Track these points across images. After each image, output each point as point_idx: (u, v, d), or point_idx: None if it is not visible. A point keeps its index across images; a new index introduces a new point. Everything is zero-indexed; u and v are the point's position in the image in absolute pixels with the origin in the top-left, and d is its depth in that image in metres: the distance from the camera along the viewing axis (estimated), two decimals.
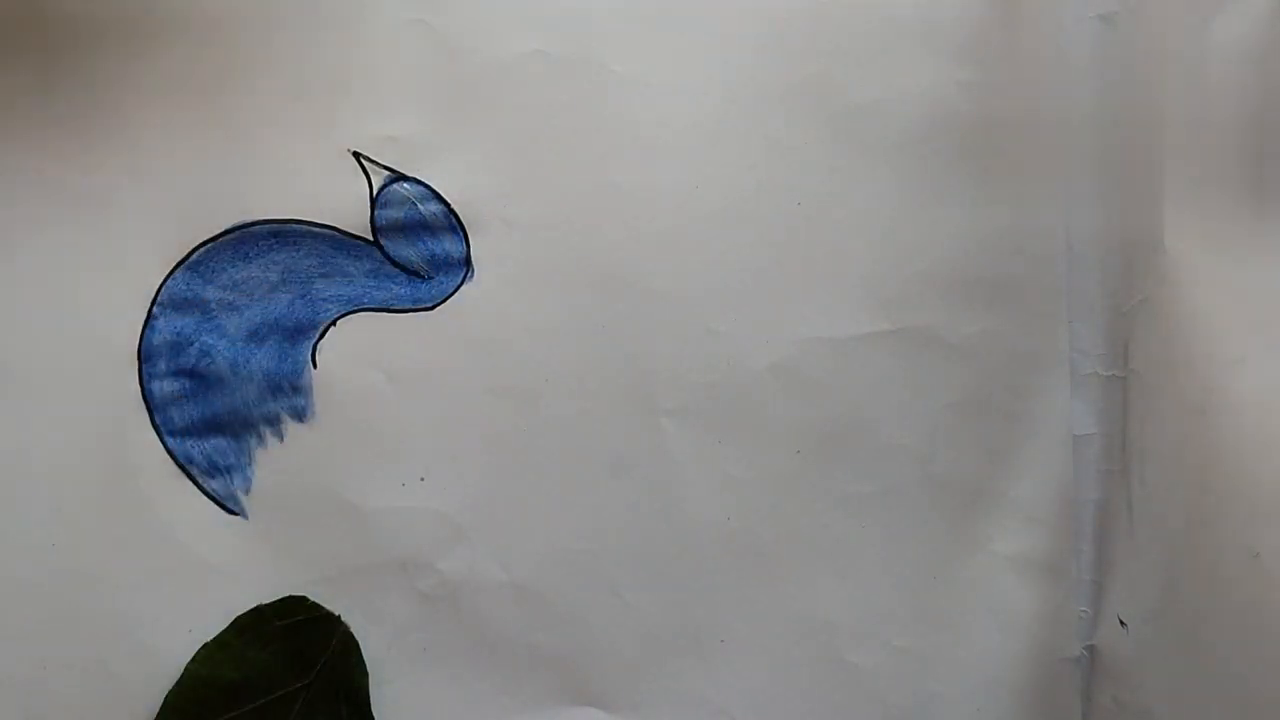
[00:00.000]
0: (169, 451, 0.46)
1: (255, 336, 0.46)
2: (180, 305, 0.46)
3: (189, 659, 0.44)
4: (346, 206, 0.46)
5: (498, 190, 0.47)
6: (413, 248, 0.46)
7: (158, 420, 0.46)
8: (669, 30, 0.46)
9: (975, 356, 0.48)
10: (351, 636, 0.46)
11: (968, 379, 0.48)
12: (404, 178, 0.46)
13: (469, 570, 0.47)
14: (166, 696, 0.44)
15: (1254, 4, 0.41)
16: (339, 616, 0.46)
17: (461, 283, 0.47)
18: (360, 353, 0.47)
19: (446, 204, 0.46)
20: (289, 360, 0.46)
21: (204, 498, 0.46)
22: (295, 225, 0.46)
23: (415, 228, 0.46)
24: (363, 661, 0.46)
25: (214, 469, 0.46)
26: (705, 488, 0.48)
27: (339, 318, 0.47)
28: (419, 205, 0.46)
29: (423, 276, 0.47)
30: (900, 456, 0.48)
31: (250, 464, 0.46)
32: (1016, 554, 0.48)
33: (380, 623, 0.47)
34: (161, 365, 0.45)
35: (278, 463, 0.46)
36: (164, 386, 0.45)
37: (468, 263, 0.47)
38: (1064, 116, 0.47)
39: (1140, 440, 0.46)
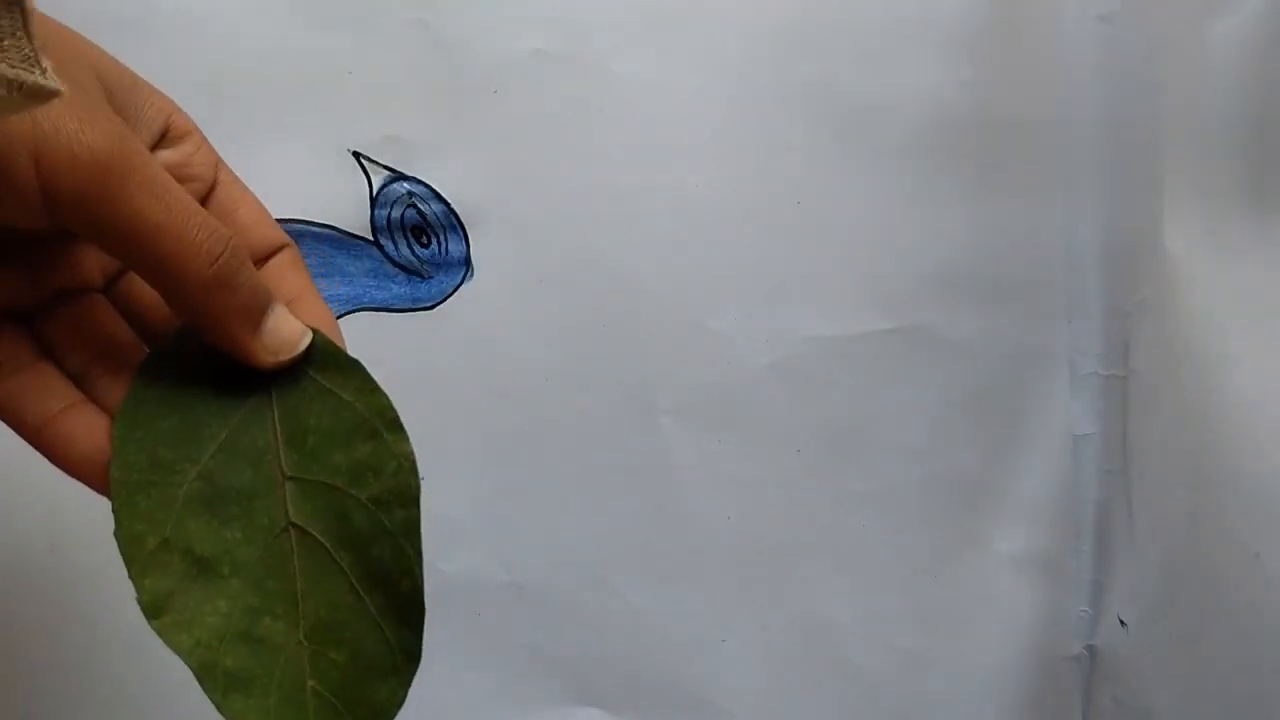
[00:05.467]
0: None
1: None
2: None
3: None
4: (346, 206, 0.46)
5: (498, 190, 0.47)
6: (412, 247, 0.46)
7: None
8: (669, 30, 0.46)
9: (975, 356, 0.48)
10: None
11: (968, 378, 0.48)
12: (404, 177, 0.46)
13: (470, 570, 0.47)
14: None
15: (1253, 4, 0.41)
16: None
17: (461, 283, 0.47)
18: (360, 352, 0.46)
19: (446, 204, 0.46)
20: None
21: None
22: (295, 225, 0.46)
23: (415, 227, 0.46)
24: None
25: None
26: (705, 488, 0.48)
27: (339, 317, 0.47)
28: (419, 205, 0.46)
29: (423, 276, 0.47)
30: (900, 455, 0.48)
31: None
32: (1016, 554, 0.48)
33: None
34: None
35: None
36: None
37: (468, 263, 0.47)
38: (1064, 116, 0.47)
39: (1140, 440, 0.46)
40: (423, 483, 0.46)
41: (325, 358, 0.29)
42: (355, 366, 0.30)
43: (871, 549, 0.48)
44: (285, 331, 0.28)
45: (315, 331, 0.29)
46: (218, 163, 0.31)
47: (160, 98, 0.29)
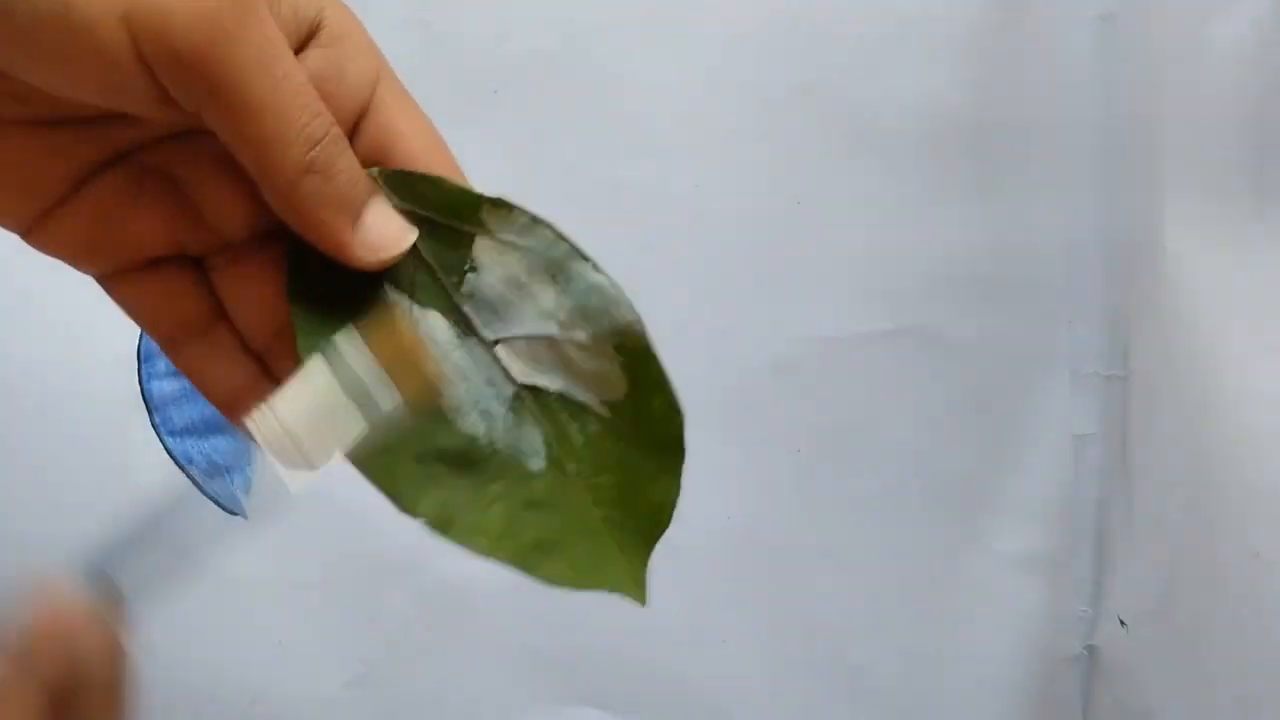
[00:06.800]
0: (169, 451, 0.45)
1: None
2: None
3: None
4: None
5: (497, 190, 0.46)
6: None
7: (157, 420, 0.45)
8: (669, 30, 0.46)
9: (975, 356, 0.48)
10: None
11: (968, 379, 0.48)
12: None
13: (470, 570, 0.47)
14: None
15: (1253, 4, 0.41)
16: None
17: None
18: None
19: None
20: None
21: (204, 498, 0.46)
22: None
23: None
24: None
25: (214, 469, 0.46)
26: (705, 488, 0.47)
27: None
28: None
29: None
30: (900, 456, 0.48)
31: (250, 464, 0.46)
32: (1016, 554, 0.48)
33: (380, 623, 0.47)
34: (161, 365, 0.45)
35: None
36: (164, 386, 0.45)
37: None
38: (1064, 116, 0.47)
39: (1140, 440, 0.46)
40: None
41: (465, 204, 0.27)
42: (503, 203, 0.27)
43: (871, 549, 0.48)
44: (386, 227, 0.25)
45: (444, 180, 0.27)
46: (379, 77, 0.26)
47: None
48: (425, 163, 0.27)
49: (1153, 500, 0.46)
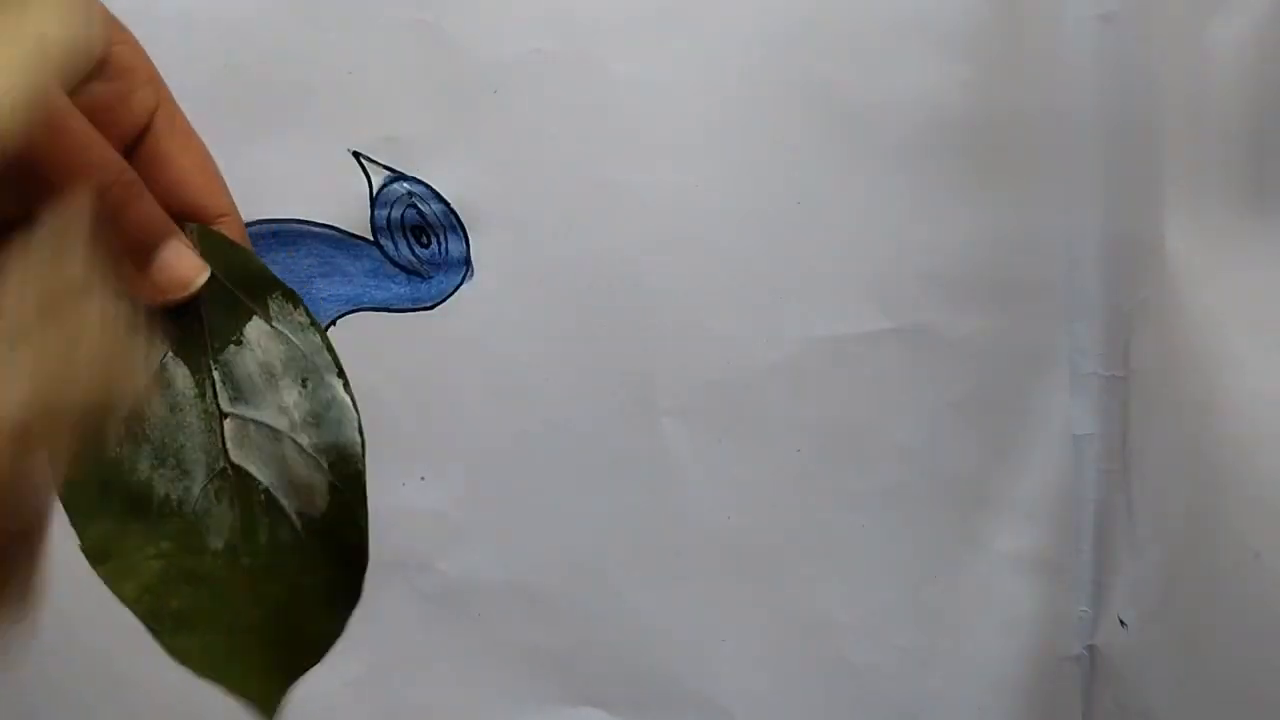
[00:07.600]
0: None
1: None
2: None
3: None
4: (346, 206, 0.46)
5: (498, 190, 0.47)
6: (412, 247, 0.46)
7: None
8: (669, 30, 0.46)
9: (975, 356, 0.48)
10: None
11: (968, 379, 0.48)
12: (404, 177, 0.46)
13: (469, 570, 0.47)
14: None
15: (1253, 4, 0.41)
16: None
17: (461, 283, 0.47)
18: (359, 353, 0.46)
19: (446, 203, 0.46)
20: None
21: None
22: (295, 225, 0.46)
23: (415, 227, 0.46)
24: None
25: None
26: (705, 488, 0.48)
27: (338, 317, 0.47)
28: (419, 205, 0.46)
29: (422, 276, 0.47)
30: (900, 456, 0.48)
31: None
32: (1017, 554, 0.48)
33: (380, 623, 0.47)
34: None
35: None
36: None
37: (467, 263, 0.47)
38: (1064, 116, 0.47)
39: (1140, 440, 0.46)
40: (423, 482, 0.46)
41: (259, 284, 0.28)
42: (292, 298, 0.29)
43: (871, 549, 0.48)
44: (176, 268, 0.26)
45: (252, 256, 0.28)
46: (157, 108, 0.28)
47: (108, 27, 0.27)
48: (194, 184, 0.28)
49: (1153, 500, 0.46)
